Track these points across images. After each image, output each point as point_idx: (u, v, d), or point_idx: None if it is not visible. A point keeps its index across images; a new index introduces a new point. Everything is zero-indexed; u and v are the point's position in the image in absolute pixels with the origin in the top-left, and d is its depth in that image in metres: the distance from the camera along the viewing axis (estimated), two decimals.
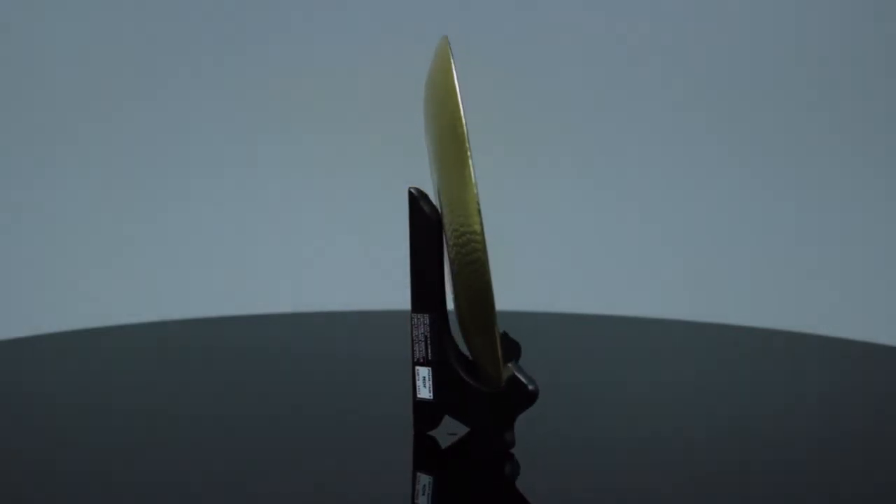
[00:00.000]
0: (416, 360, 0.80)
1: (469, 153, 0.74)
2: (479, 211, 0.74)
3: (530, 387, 0.77)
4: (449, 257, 0.77)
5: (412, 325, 0.80)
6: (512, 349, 0.80)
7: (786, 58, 1.87)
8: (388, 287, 1.37)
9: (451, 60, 0.75)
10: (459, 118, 0.74)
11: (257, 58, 1.84)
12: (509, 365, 0.79)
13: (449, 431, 0.80)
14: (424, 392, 0.80)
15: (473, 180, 0.74)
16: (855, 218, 1.87)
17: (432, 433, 0.80)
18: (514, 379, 0.78)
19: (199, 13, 1.83)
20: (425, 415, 0.80)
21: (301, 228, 1.85)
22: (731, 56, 1.87)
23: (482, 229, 0.74)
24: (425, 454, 0.78)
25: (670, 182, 1.88)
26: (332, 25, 1.85)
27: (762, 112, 1.87)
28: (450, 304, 0.80)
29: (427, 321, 0.80)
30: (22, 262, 1.82)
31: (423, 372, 0.80)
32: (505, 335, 0.80)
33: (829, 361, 1.10)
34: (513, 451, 0.78)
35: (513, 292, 1.29)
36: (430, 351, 0.80)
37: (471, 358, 0.79)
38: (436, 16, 1.83)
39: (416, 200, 0.79)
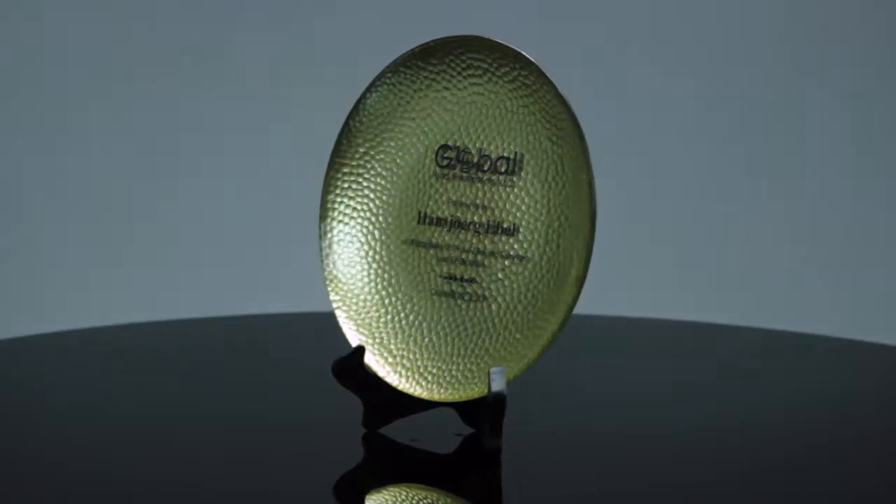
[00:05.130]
0: None
1: None
2: None
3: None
4: None
5: None
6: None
7: (792, 51, 1.87)
8: None
9: None
10: None
11: (257, 53, 1.84)
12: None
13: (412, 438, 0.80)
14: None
15: None
16: (857, 215, 1.87)
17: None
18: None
19: (200, 10, 1.83)
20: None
21: (305, 228, 1.84)
22: (733, 51, 1.87)
23: None
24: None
25: (670, 179, 1.87)
26: (335, 24, 1.84)
27: (766, 109, 1.87)
28: None
29: None
30: (21, 262, 1.82)
31: None
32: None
33: (833, 362, 1.09)
34: (513, 454, 0.78)
35: None
36: None
37: None
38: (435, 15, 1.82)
39: None
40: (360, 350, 0.79)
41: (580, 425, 0.85)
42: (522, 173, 0.78)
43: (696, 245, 1.87)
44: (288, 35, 1.84)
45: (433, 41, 0.80)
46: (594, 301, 1.64)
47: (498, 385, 0.75)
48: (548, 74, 0.78)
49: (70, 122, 1.82)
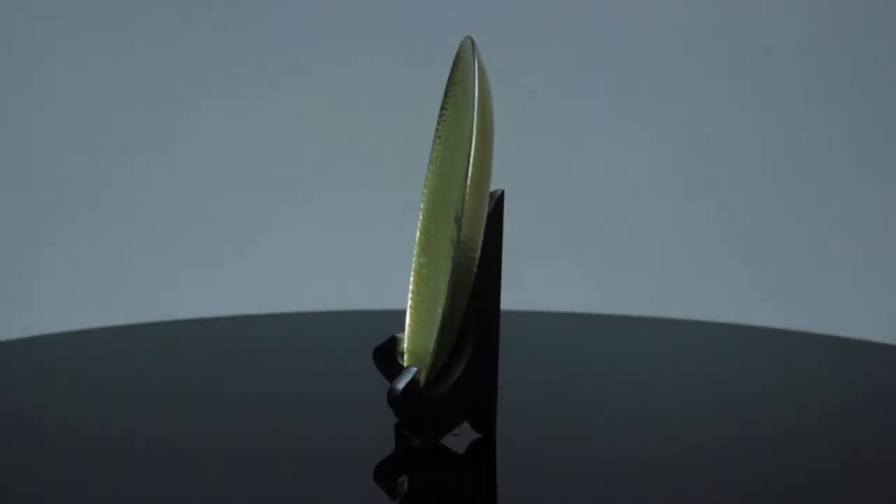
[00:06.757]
0: None
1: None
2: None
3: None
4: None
5: None
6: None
7: (790, 52, 1.87)
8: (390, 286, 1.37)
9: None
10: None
11: (263, 56, 1.84)
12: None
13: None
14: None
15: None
16: (857, 214, 1.87)
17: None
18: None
19: (205, 11, 1.83)
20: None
21: (304, 229, 1.85)
22: (734, 49, 1.87)
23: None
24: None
25: (669, 179, 1.87)
26: (339, 25, 1.84)
27: (766, 109, 1.87)
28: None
29: None
30: (22, 262, 1.82)
31: None
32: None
33: (833, 362, 1.10)
34: (516, 452, 0.78)
35: (514, 291, 1.28)
36: None
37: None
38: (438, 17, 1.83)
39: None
40: (394, 339, 0.81)
41: (579, 425, 0.85)
42: (469, 177, 0.78)
43: (696, 245, 1.87)
44: (289, 35, 1.84)
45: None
46: (594, 300, 1.65)
47: (397, 382, 0.76)
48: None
49: (70, 122, 1.82)
